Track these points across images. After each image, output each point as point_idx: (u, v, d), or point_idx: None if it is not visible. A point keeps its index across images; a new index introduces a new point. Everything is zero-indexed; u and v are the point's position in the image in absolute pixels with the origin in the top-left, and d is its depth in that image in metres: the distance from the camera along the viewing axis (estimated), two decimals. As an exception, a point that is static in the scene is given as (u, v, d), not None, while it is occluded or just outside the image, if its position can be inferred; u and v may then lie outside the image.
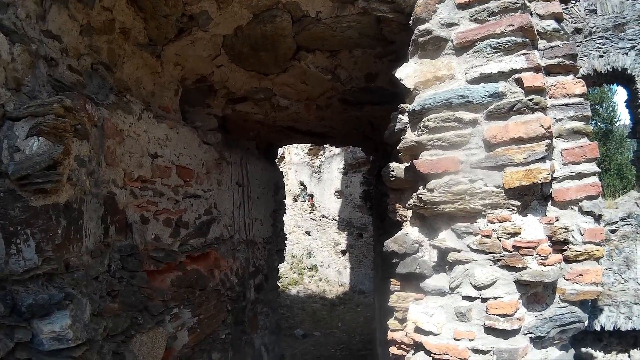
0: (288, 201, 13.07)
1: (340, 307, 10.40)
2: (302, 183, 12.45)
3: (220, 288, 3.76)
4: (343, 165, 11.14)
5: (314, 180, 12.07)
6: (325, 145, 11.71)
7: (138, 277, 2.76)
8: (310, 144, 11.94)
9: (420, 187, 2.40)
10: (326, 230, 11.75)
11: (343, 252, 11.37)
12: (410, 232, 2.65)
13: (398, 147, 2.55)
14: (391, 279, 2.86)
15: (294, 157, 12.69)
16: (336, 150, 11.37)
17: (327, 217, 11.72)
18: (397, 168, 2.78)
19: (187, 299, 3.29)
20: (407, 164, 2.58)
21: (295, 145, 12.59)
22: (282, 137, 5.09)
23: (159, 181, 3.03)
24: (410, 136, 2.57)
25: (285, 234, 5.40)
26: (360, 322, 9.51)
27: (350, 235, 11.16)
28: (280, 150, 13.23)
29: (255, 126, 4.66)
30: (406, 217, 2.86)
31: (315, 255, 12.06)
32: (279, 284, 11.74)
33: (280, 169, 5.52)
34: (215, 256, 3.71)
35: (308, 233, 12.29)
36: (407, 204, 2.71)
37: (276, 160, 5.78)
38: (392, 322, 2.66)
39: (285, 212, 5.45)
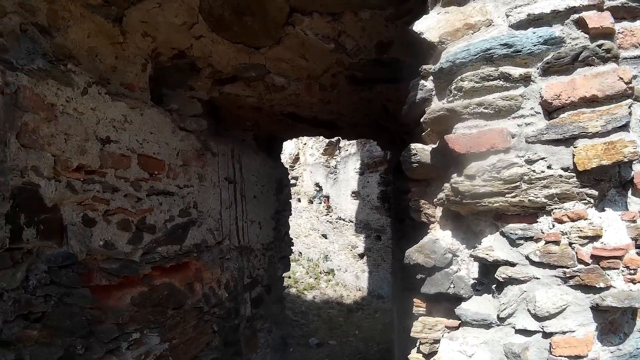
0: (303, 203, 12.29)
1: (358, 313, 9.55)
2: (317, 184, 11.66)
3: (203, 305, 3.00)
4: (359, 165, 10.30)
5: (329, 181, 11.26)
6: (341, 145, 10.91)
7: (77, 294, 2.03)
8: (325, 144, 11.17)
9: (455, 175, 1.74)
10: (343, 232, 10.92)
11: (361, 256, 10.52)
12: (441, 237, 1.89)
13: (422, 120, 1.90)
14: (414, 299, 2.12)
15: (308, 158, 11.92)
16: (352, 149, 10.56)
17: (343, 219, 10.89)
18: (421, 151, 2.05)
19: (155, 320, 2.54)
20: (435, 145, 1.91)
21: (310, 145, 11.83)
22: (284, 128, 4.31)
23: (111, 172, 2.29)
24: (437, 105, 1.83)
25: (291, 239, 4.62)
26: (378, 329, 8.64)
27: (368, 238, 10.31)
28: (293, 150, 12.46)
29: (251, 114, 3.90)
30: (434, 217, 2.13)
31: (332, 259, 11.24)
32: (295, 289, 11.01)
33: (285, 166, 4.75)
34: (196, 267, 2.95)
35: (324, 236, 11.48)
36: (435, 200, 2.06)
37: (281, 156, 5.00)
38: (414, 357, 1.91)
39: (291, 214, 4.66)
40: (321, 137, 11.26)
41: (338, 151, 10.98)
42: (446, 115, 1.69)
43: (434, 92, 1.83)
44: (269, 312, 4.02)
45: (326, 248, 11.41)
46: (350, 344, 8.11)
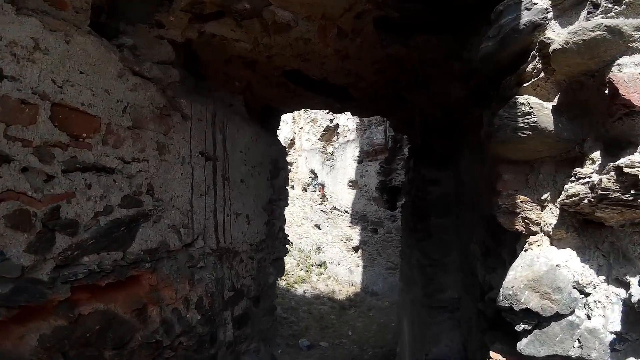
0: (297, 191, 11.19)
1: (351, 311, 8.56)
2: (312, 171, 10.58)
3: (162, 338, 1.94)
4: (358, 153, 9.24)
5: (325, 168, 10.19)
6: (340, 131, 9.82)
7: None
8: (323, 129, 10.07)
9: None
10: (337, 223, 9.88)
11: (355, 249, 9.51)
12: (560, 260, 0.81)
13: (539, 54, 1.21)
14: (492, 353, 1.26)
15: (304, 143, 10.81)
16: (350, 136, 9.48)
17: (338, 210, 9.85)
18: (539, 108, 1.05)
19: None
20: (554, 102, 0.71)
21: (307, 129, 10.72)
22: (283, 96, 3.22)
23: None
24: (586, 25, 0.66)
25: (287, 236, 3.55)
26: (372, 330, 7.67)
27: (364, 231, 9.29)
28: (289, 134, 11.29)
29: (243, 71, 2.81)
30: (538, 224, 1.27)
31: (325, 251, 10.21)
32: (284, 282, 9.99)
33: (284, 146, 3.68)
34: (150, 283, 1.89)
35: (318, 226, 10.44)
36: (545, 196, 0.87)
37: (278, 132, 3.91)
38: None
39: (287, 204, 3.60)
40: (319, 121, 10.15)
41: (336, 137, 9.90)
42: (603, 40, 0.93)
43: (549, 14, 1.17)
44: (256, 329, 2.99)
45: (319, 239, 10.39)
46: (344, 346, 7.15)
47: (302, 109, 3.65)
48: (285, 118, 11.34)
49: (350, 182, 9.49)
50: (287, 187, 3.63)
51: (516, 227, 1.38)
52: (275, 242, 3.23)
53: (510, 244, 1.63)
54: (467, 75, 2.37)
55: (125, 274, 1.77)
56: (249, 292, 2.79)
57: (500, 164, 1.46)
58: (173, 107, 2.07)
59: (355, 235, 9.51)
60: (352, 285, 9.48)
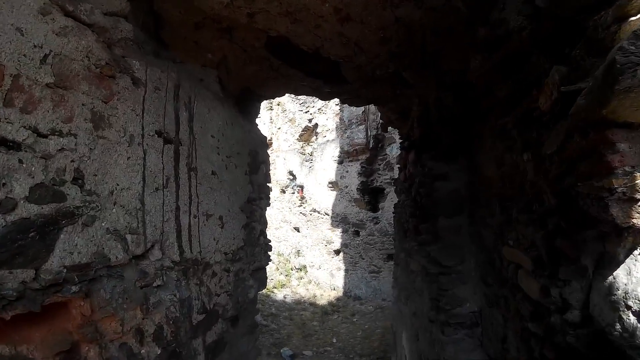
0: (275, 193, 10.53)
1: (334, 317, 7.97)
2: (291, 173, 9.96)
3: (98, 391, 1.33)
4: (338, 153, 8.70)
5: (304, 169, 9.59)
6: (319, 131, 9.26)
7: None
8: (301, 130, 9.47)
9: None
10: (317, 226, 9.29)
11: (336, 252, 8.94)
12: None
13: None
14: None
15: (282, 144, 10.19)
16: (330, 136, 8.93)
17: (318, 212, 9.27)
18: None
19: None
20: None
21: (284, 130, 10.10)
22: (265, 75, 2.62)
23: None
24: None
25: (269, 241, 2.94)
26: (358, 337, 7.11)
27: (345, 233, 8.73)
28: (266, 134, 10.65)
29: (217, 42, 2.20)
30: None
31: (305, 255, 9.60)
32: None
33: (265, 136, 3.07)
34: (83, 312, 1.27)
35: (297, 229, 9.82)
36: None
37: (258, 120, 3.30)
38: None
39: (269, 204, 3.00)
40: (298, 121, 9.54)
41: (315, 137, 9.34)
42: None
43: None
44: (236, 354, 2.38)
45: (298, 242, 9.78)
46: (329, 355, 6.55)
47: (285, 94, 3.06)
48: (263, 118, 10.69)
49: (330, 183, 8.94)
50: (268, 185, 3.03)
51: (633, 220, 0.85)
52: (255, 250, 2.61)
53: (594, 246, 1.10)
54: (495, 43, 1.83)
55: (40, 302, 1.14)
56: (224, 313, 2.16)
57: (611, 128, 0.91)
58: (120, 68, 1.45)
59: (336, 238, 8.95)
60: (334, 289, 8.91)
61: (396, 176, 7.92)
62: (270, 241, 2.92)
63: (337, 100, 9.06)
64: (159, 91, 1.64)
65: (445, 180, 2.59)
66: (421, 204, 2.90)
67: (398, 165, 4.00)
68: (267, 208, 3.01)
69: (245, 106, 2.85)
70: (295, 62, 2.50)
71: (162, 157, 1.59)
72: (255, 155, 2.69)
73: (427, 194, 2.76)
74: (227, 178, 2.20)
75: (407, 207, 3.39)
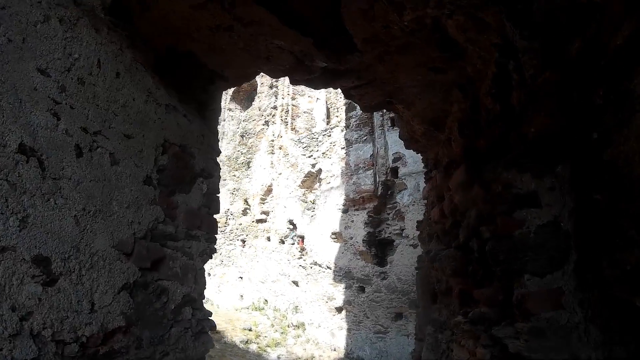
0: (273, 243, 9.49)
1: (335, 385, 6.74)
2: (291, 222, 9.03)
3: None
4: (343, 201, 7.84)
5: (305, 218, 8.67)
6: (322, 177, 8.44)
7: None
8: (303, 175, 8.64)
9: None
10: (318, 280, 8.23)
11: (338, 310, 7.83)
12: None
13: None
14: None
15: (282, 191, 9.34)
16: (335, 182, 8.12)
17: (320, 265, 8.25)
18: None
19: None
20: None
21: (285, 175, 9.28)
22: (213, 24, 1.70)
23: None
24: None
25: (208, 315, 1.87)
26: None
27: (349, 289, 7.68)
28: (266, 180, 9.71)
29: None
30: None
31: (303, 311, 8.45)
32: (256, 345, 8.01)
33: (218, 130, 2.14)
34: None
35: (295, 283, 8.73)
36: None
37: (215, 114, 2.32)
38: None
39: (214, 251, 2.01)
40: (300, 166, 8.71)
41: (318, 184, 8.51)
42: None
43: None
44: None
45: (297, 297, 8.66)
46: None
47: (253, 72, 2.17)
48: (263, 162, 9.91)
49: (333, 233, 8.01)
50: (214, 217, 2.02)
51: None
52: (171, 332, 1.59)
53: None
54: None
55: None
56: None
57: None
58: None
59: (338, 293, 7.88)
60: (335, 350, 7.71)
61: (407, 227, 7.00)
62: (211, 314, 1.89)
63: (343, 142, 8.07)
64: None
65: (534, 205, 1.44)
66: (481, 252, 1.87)
67: (424, 201, 3.08)
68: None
69: (187, 82, 1.92)
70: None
71: None
72: (185, 159, 1.74)
73: (496, 235, 1.70)
74: (88, 176, 1.26)
75: (446, 260, 2.42)
